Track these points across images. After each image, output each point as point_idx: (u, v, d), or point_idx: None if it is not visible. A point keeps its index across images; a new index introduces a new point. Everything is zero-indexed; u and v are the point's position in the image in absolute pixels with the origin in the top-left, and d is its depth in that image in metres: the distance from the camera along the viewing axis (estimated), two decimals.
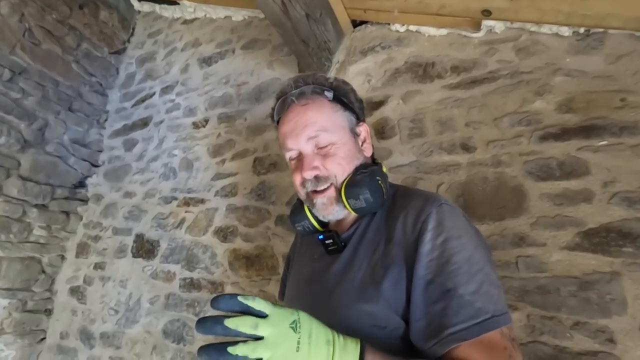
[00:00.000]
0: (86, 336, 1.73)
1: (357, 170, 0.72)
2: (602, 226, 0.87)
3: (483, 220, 1.00)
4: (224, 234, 1.50)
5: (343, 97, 0.77)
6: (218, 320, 0.41)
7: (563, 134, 0.97)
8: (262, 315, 0.43)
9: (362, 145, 0.78)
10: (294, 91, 0.74)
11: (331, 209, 0.71)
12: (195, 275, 1.50)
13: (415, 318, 0.56)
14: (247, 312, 0.43)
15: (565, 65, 1.03)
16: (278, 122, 0.78)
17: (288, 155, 0.75)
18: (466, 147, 1.09)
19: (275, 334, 0.42)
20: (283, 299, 0.90)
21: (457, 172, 1.09)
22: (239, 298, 0.43)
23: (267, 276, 1.34)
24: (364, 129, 0.79)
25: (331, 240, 0.72)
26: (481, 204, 1.02)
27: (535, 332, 0.87)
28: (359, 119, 0.80)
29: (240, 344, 0.41)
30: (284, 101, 0.76)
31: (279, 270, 1.32)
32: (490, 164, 1.04)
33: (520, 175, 0.99)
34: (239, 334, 0.41)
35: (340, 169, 0.71)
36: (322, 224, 0.79)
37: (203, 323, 0.42)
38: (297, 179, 0.73)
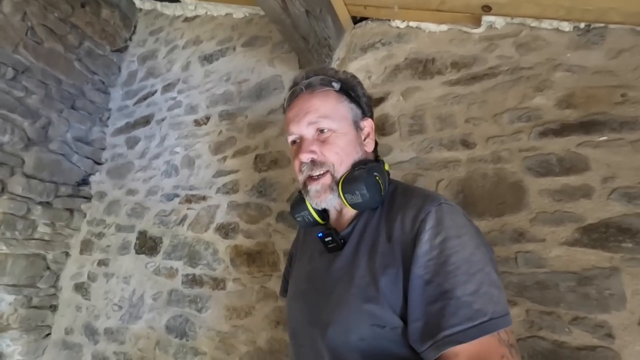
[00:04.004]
0: (90, 332, 1.75)
1: (356, 165, 0.73)
2: (601, 222, 0.86)
3: (482, 216, 1.00)
4: (225, 230, 1.51)
5: (350, 89, 0.78)
6: None
7: (563, 129, 0.97)
8: None
9: (364, 139, 0.79)
10: (303, 81, 0.78)
11: (324, 197, 0.72)
12: (197, 271, 1.52)
13: (413, 319, 0.55)
14: None
15: (565, 60, 1.02)
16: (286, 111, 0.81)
17: (290, 139, 0.78)
18: (466, 144, 1.09)
19: None
20: (285, 295, 0.90)
21: (456, 169, 1.09)
22: None
23: (269, 272, 1.35)
24: (368, 124, 0.80)
25: (330, 238, 0.72)
26: (481, 200, 1.02)
27: (534, 327, 0.87)
28: (365, 114, 0.81)
29: None
30: (294, 91, 0.79)
31: (280, 266, 1.33)
32: (489, 160, 1.04)
33: (519, 171, 0.99)
34: None
35: (337, 157, 0.72)
36: (322, 216, 0.80)
37: None
38: (296, 164, 0.75)
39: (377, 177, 0.69)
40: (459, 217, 0.61)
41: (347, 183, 0.69)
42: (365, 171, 0.69)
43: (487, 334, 0.50)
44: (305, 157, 0.72)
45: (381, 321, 0.58)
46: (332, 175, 0.72)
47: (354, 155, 0.74)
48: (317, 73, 0.79)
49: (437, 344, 0.51)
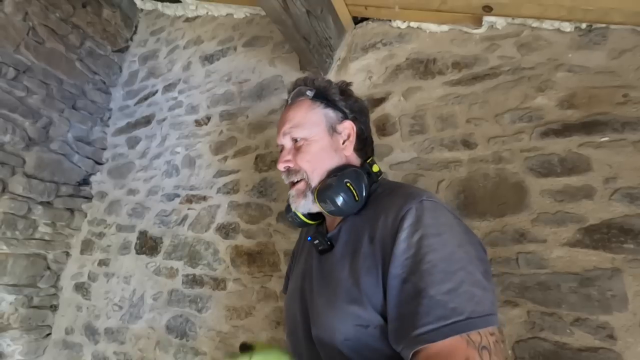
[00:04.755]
0: (91, 332, 1.75)
1: (332, 172, 0.75)
2: (603, 222, 0.86)
3: (484, 216, 1.00)
4: (226, 230, 1.51)
5: (324, 94, 0.81)
6: None
7: (564, 130, 0.96)
8: None
9: (343, 143, 0.79)
10: (291, 94, 0.84)
11: (298, 202, 0.77)
12: (197, 271, 1.52)
13: (390, 319, 0.55)
14: None
15: (567, 60, 1.02)
16: None
17: (279, 149, 0.84)
18: (467, 144, 1.09)
19: None
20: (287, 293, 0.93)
21: (458, 169, 1.08)
22: None
23: (269, 272, 1.34)
24: (347, 126, 0.80)
25: (317, 241, 0.75)
26: (482, 200, 1.02)
27: (535, 328, 0.87)
28: (347, 116, 0.81)
29: None
30: (285, 103, 0.87)
31: (281, 266, 1.33)
32: (491, 161, 1.04)
33: (521, 171, 0.99)
34: None
35: (308, 165, 0.76)
36: (315, 217, 0.84)
37: None
38: None
39: (349, 184, 0.70)
40: (442, 215, 0.60)
41: (321, 192, 0.72)
42: (337, 179, 0.71)
43: (458, 334, 0.48)
44: (280, 166, 0.78)
45: (364, 321, 0.59)
46: (307, 182, 0.76)
47: (329, 162, 0.76)
48: (298, 84, 0.84)
49: (409, 344, 0.51)
